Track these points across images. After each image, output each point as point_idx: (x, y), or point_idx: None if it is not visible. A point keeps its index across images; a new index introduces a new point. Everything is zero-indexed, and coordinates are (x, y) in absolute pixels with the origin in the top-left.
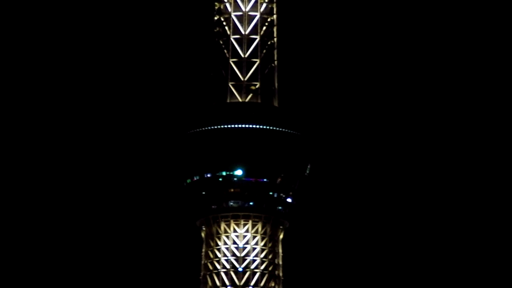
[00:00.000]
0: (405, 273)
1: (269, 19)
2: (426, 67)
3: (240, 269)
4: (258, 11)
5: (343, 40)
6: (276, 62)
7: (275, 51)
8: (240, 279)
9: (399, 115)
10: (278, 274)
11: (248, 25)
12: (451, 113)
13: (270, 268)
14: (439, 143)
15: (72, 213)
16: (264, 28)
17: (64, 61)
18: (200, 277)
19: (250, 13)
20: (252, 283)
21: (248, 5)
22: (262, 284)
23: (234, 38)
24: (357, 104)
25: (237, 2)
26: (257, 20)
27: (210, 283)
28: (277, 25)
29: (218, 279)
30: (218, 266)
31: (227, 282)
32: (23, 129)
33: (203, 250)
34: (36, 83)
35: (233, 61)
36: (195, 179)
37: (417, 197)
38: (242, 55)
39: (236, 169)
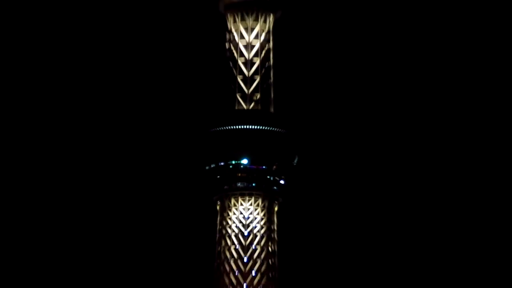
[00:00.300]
0: (389, 245)
1: (266, 46)
2: (418, 66)
3: (246, 233)
4: (259, 40)
5: (329, 60)
6: (272, 79)
7: (271, 71)
8: (245, 240)
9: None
10: (274, 236)
11: (251, 51)
12: (445, 105)
13: (267, 232)
14: (432, 128)
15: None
16: (263, 53)
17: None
18: (216, 239)
19: (252, 42)
20: (255, 243)
21: (251, 35)
22: (262, 243)
23: (241, 61)
24: (344, 106)
25: (242, 33)
26: (258, 47)
27: (223, 243)
28: (273, 50)
29: (230, 241)
30: (229, 231)
31: (236, 242)
32: (39, 125)
33: (218, 219)
34: (55, 83)
35: (240, 78)
36: (212, 166)
37: (404, 173)
38: (247, 74)
39: (242, 159)
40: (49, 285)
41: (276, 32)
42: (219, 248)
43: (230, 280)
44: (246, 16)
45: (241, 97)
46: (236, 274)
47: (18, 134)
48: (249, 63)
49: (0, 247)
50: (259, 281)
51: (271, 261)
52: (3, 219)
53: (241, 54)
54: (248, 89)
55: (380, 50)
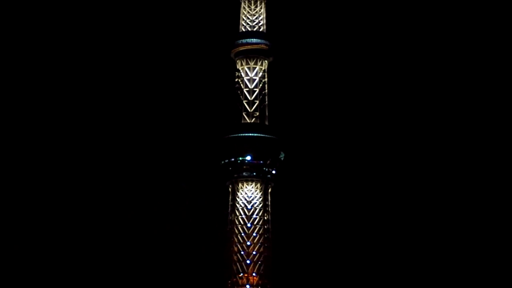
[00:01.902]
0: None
1: (263, 80)
2: (413, 67)
3: (249, 207)
4: (257, 76)
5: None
6: (266, 102)
7: (266, 96)
8: (248, 212)
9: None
10: (268, 210)
11: (252, 83)
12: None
13: (263, 206)
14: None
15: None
16: (260, 85)
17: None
18: (229, 211)
19: (253, 77)
20: (255, 214)
21: (252, 73)
22: (259, 214)
23: (245, 90)
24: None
25: (246, 72)
26: (257, 81)
27: (233, 214)
28: (267, 83)
29: (238, 212)
30: (237, 205)
31: (242, 213)
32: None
33: (230, 197)
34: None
35: (245, 102)
36: (226, 161)
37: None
38: (249, 98)
39: (246, 156)
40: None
41: (269, 71)
42: (230, 217)
43: (238, 239)
44: (249, 61)
45: (245, 114)
46: (242, 235)
47: (33, 134)
48: (251, 91)
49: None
50: (258, 240)
51: (266, 226)
52: (5, 219)
53: (246, 86)
54: (250, 108)
55: (368, 55)
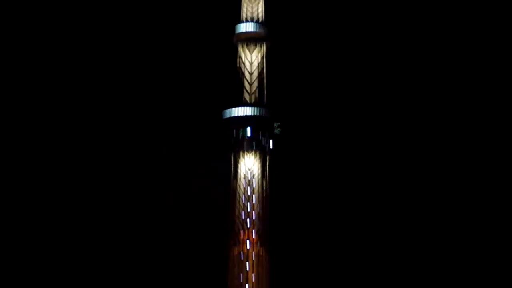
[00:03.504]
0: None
1: (261, 63)
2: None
3: (249, 176)
4: (257, 59)
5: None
6: (265, 83)
7: (264, 78)
8: (249, 180)
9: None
10: (266, 177)
11: (252, 66)
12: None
13: (261, 174)
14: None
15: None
16: (259, 67)
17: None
18: (231, 179)
19: (253, 60)
20: (254, 181)
21: (252, 56)
22: (258, 181)
23: (246, 72)
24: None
25: (246, 55)
26: (256, 64)
27: (236, 182)
28: (266, 66)
29: (239, 180)
30: (239, 174)
31: (243, 181)
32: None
33: (232, 167)
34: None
35: (246, 83)
36: (228, 136)
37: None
38: (250, 80)
39: (247, 131)
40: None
41: (268, 55)
42: (232, 184)
43: (239, 204)
44: (249, 45)
45: (246, 92)
46: (243, 201)
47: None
48: (250, 74)
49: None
50: (257, 205)
51: (265, 193)
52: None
53: (247, 67)
54: (250, 89)
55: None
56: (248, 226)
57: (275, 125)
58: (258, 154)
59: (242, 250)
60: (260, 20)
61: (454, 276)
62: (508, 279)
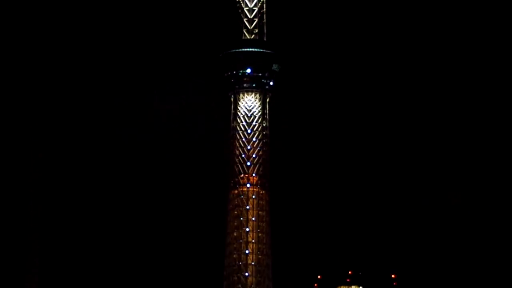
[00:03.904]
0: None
1: (262, 4)
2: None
3: (249, 115)
4: None
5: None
6: (264, 20)
7: (264, 15)
8: (249, 119)
9: None
10: (266, 117)
11: (252, 3)
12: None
13: (262, 114)
14: None
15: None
16: (259, 4)
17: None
18: (231, 119)
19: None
20: (254, 120)
21: None
22: (259, 121)
23: (245, 9)
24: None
25: None
26: (256, 1)
27: (235, 121)
28: (266, 2)
29: (239, 119)
30: (239, 113)
31: (243, 120)
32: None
33: (232, 106)
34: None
35: (245, 20)
36: (229, 73)
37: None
38: (249, 17)
39: (247, 69)
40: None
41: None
42: (233, 124)
43: (240, 144)
44: None
45: (246, 32)
46: (243, 140)
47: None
48: (250, 10)
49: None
50: (257, 144)
51: (264, 132)
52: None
53: (246, 5)
54: (250, 26)
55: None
56: (248, 166)
57: (274, 66)
58: (258, 93)
59: (242, 191)
60: None
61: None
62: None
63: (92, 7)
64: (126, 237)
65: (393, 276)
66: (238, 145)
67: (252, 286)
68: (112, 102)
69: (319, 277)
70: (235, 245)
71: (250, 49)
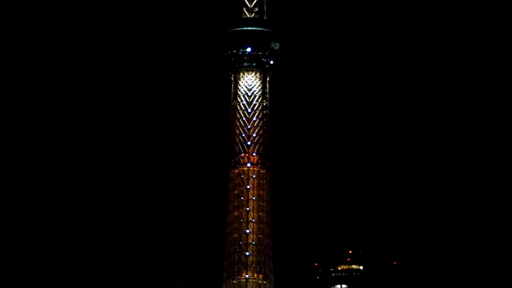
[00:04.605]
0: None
1: None
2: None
3: (249, 94)
4: None
5: None
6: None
7: None
8: (249, 98)
9: None
10: (267, 96)
11: None
12: None
13: (262, 93)
14: None
15: None
16: None
17: None
18: (231, 98)
19: None
20: (255, 100)
21: None
22: (259, 100)
23: None
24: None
25: None
26: None
27: (236, 100)
28: None
29: (239, 98)
30: (239, 93)
31: (243, 99)
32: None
33: (233, 85)
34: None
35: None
36: (229, 52)
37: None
38: None
39: (247, 48)
40: None
41: None
42: (233, 103)
43: (240, 123)
44: None
45: (246, 10)
46: (244, 119)
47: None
48: None
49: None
50: (258, 123)
51: (265, 111)
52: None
53: None
54: (250, 4)
55: None
56: (249, 145)
57: (274, 44)
58: (258, 72)
59: (242, 171)
60: None
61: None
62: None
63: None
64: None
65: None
66: (238, 125)
67: (253, 265)
68: (112, 87)
69: (319, 256)
70: (235, 225)
71: (250, 28)
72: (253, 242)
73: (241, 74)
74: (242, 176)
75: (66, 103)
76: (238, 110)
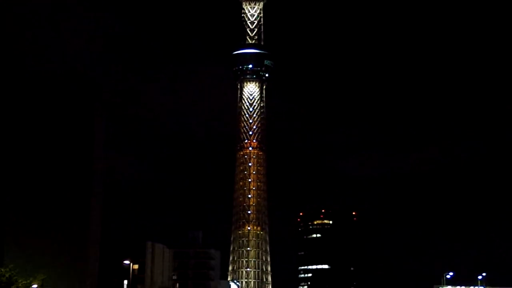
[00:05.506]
0: None
1: (260, 15)
2: None
3: (251, 97)
4: (255, 14)
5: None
6: (262, 30)
7: (262, 27)
8: (251, 100)
9: None
10: (263, 99)
11: (253, 19)
12: None
13: (260, 97)
14: None
15: None
16: (258, 19)
17: None
18: (237, 100)
19: (253, 16)
20: (254, 102)
21: (252, 12)
22: (258, 103)
23: (248, 22)
24: None
25: (249, 10)
26: (255, 17)
27: (241, 102)
28: (263, 18)
29: (243, 100)
30: (244, 96)
31: (247, 101)
32: None
33: (239, 91)
34: None
35: (248, 29)
36: (236, 68)
37: None
38: (251, 27)
39: (249, 65)
40: None
41: (265, 12)
42: (239, 104)
43: (244, 118)
44: (250, 3)
45: (249, 38)
46: (247, 115)
47: None
48: (251, 23)
49: None
50: (257, 119)
51: (262, 110)
52: None
53: (249, 18)
54: (251, 34)
55: None
56: (250, 134)
57: (266, 62)
58: (257, 82)
59: (246, 153)
60: None
61: None
62: None
63: None
64: None
65: (354, 213)
66: (243, 119)
67: (253, 220)
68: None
69: (301, 213)
70: (241, 191)
71: (251, 50)
72: (253, 204)
73: (245, 84)
74: (246, 156)
75: None
76: (242, 109)
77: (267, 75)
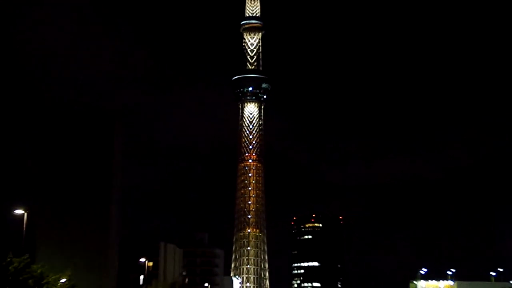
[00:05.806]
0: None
1: (259, 44)
2: None
3: (250, 116)
4: (255, 42)
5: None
6: (261, 56)
7: (260, 53)
8: (251, 118)
9: None
10: (261, 118)
11: (253, 46)
12: None
13: (258, 115)
14: None
15: None
16: (257, 47)
17: None
18: (239, 118)
19: (253, 43)
20: (253, 119)
21: (252, 40)
22: (256, 119)
23: (248, 50)
24: None
25: (249, 39)
26: (255, 45)
27: (242, 120)
28: (261, 46)
29: (245, 118)
30: (245, 115)
31: (248, 119)
32: None
33: (240, 111)
34: None
35: (248, 56)
36: (238, 90)
37: None
38: (251, 55)
39: (249, 88)
40: None
41: (263, 41)
42: (240, 122)
43: (245, 134)
44: (250, 33)
45: (249, 64)
46: (247, 132)
47: None
48: (252, 51)
49: None
50: (255, 135)
51: (261, 127)
52: None
53: (249, 46)
54: (251, 60)
55: None
56: (250, 148)
57: (264, 85)
58: (256, 103)
59: (246, 164)
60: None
61: None
62: None
63: None
64: None
65: (340, 217)
66: (243, 135)
67: (253, 224)
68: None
69: (294, 218)
70: (241, 198)
71: (251, 75)
72: (253, 209)
73: (245, 104)
74: (246, 168)
75: None
76: (243, 126)
77: (265, 96)
